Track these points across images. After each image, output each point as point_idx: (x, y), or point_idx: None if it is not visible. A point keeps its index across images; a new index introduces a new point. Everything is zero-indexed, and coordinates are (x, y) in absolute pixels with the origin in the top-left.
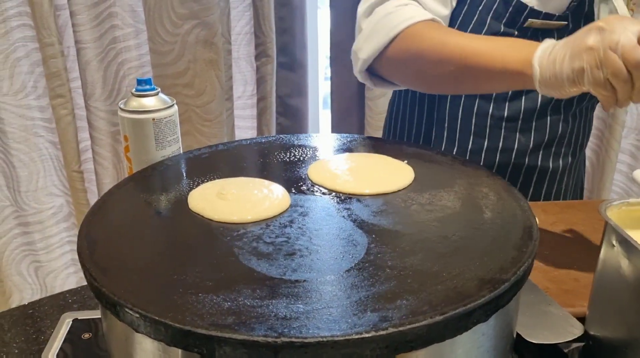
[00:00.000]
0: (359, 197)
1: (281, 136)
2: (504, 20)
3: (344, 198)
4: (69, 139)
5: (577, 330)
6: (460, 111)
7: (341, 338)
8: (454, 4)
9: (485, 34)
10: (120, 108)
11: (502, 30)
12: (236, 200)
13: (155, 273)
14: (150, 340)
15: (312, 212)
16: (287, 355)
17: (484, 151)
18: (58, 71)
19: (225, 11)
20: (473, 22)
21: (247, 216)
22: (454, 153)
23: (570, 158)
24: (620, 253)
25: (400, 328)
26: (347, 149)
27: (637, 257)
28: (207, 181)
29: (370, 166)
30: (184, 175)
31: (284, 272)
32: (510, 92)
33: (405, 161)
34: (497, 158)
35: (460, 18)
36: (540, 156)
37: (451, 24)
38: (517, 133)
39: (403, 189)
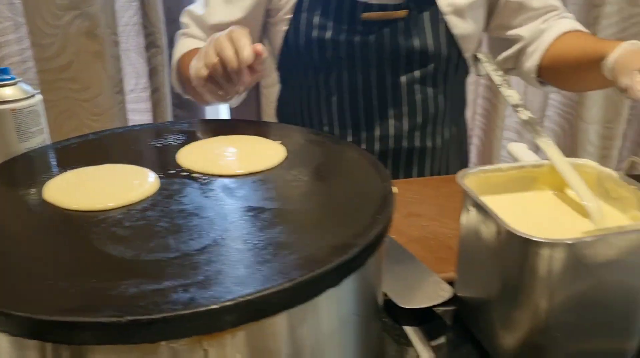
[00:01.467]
0: (226, 178)
1: (156, 123)
2: (342, 18)
3: (211, 179)
4: None
5: (447, 293)
6: (335, 106)
7: (188, 312)
8: (247, 4)
9: (332, 35)
10: None
11: (346, 28)
12: (97, 187)
13: (2, 265)
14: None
15: (177, 195)
16: (134, 334)
17: (364, 142)
18: None
19: (108, 1)
20: (316, 26)
21: (109, 203)
22: None
23: (448, 134)
24: (476, 217)
25: (248, 298)
26: (222, 132)
27: (488, 219)
28: (72, 170)
29: (242, 147)
30: (47, 166)
31: (139, 254)
32: (377, 82)
33: (279, 142)
34: (378, 145)
35: (303, 27)
36: (417, 137)
37: (295, 34)
38: (392, 119)
39: (272, 168)
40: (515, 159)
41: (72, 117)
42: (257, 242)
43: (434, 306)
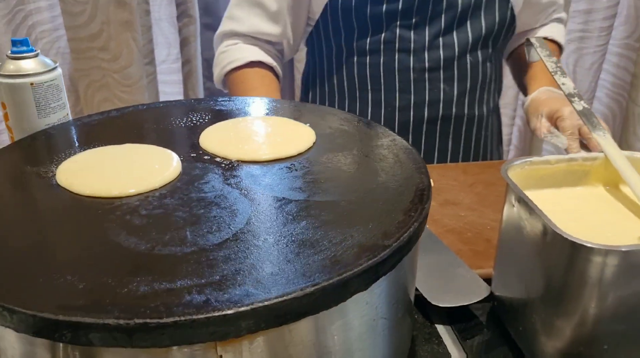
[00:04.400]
0: (250, 163)
1: (181, 100)
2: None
3: (234, 165)
4: None
5: (483, 291)
6: (382, 69)
7: (201, 317)
8: (286, 21)
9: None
10: None
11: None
12: (114, 171)
13: (6, 256)
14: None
15: (197, 181)
16: (143, 338)
17: (412, 107)
18: None
19: None
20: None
21: (125, 190)
22: (382, 114)
23: (492, 103)
24: (519, 213)
25: (267, 303)
26: (250, 112)
27: (533, 217)
28: (89, 150)
29: (269, 129)
30: (65, 145)
31: (154, 247)
32: (427, 42)
33: (308, 124)
34: (426, 111)
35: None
36: (466, 103)
37: (326, 32)
38: (441, 83)
39: (300, 154)
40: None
41: (102, 89)
42: (279, 238)
43: (469, 304)
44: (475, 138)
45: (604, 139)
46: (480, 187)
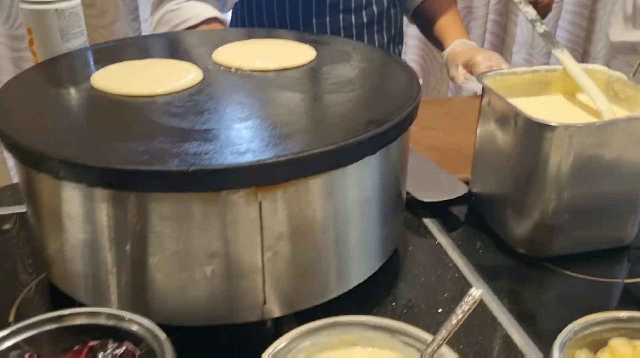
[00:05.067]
0: (263, 72)
1: (188, 30)
2: None
3: (249, 73)
4: None
5: (463, 189)
6: (328, 27)
7: (247, 163)
8: None
9: None
10: (21, 0)
11: None
12: (143, 77)
13: (70, 134)
14: (73, 187)
15: (219, 84)
16: (200, 182)
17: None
18: None
19: None
20: None
21: (158, 89)
22: None
23: (401, 46)
24: (494, 112)
25: (299, 155)
26: (253, 37)
27: (507, 113)
28: (116, 64)
29: (272, 48)
30: (92, 63)
31: (194, 124)
32: (364, 2)
33: (307, 45)
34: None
35: None
36: (391, 49)
37: None
38: (375, 34)
39: (305, 64)
40: None
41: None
42: (300, 115)
43: (450, 200)
44: None
45: (562, 54)
46: (453, 116)
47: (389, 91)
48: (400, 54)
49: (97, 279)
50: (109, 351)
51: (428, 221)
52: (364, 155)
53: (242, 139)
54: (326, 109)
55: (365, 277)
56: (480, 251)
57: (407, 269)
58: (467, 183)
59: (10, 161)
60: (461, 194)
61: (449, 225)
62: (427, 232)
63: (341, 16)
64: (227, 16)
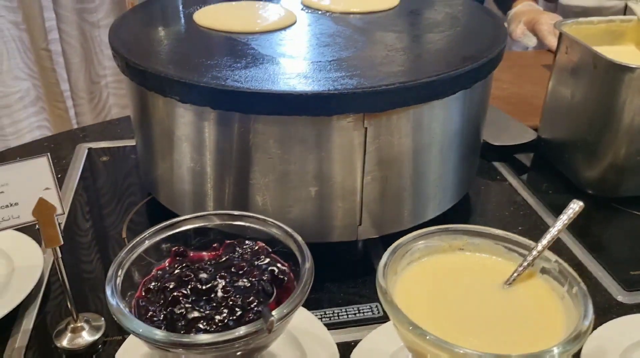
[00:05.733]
0: (351, 14)
1: None
2: None
3: (339, 15)
4: (34, 15)
5: (531, 135)
6: None
7: (359, 91)
8: None
9: None
10: None
11: None
12: (245, 16)
13: (188, 62)
14: (193, 111)
15: (314, 23)
16: (315, 106)
17: None
18: None
19: None
20: None
21: (257, 27)
22: None
23: None
24: (570, 57)
25: (406, 85)
26: None
27: (584, 55)
28: (215, 4)
29: None
30: (189, 3)
31: (302, 56)
32: None
33: None
34: None
35: None
36: None
37: None
38: None
39: (392, 8)
40: None
41: None
42: (397, 51)
43: (520, 145)
44: None
45: (636, 5)
46: (517, 69)
47: (477, 32)
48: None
49: (203, 197)
50: (246, 246)
51: (498, 164)
52: (461, 88)
53: (347, 69)
54: (422, 47)
55: (444, 210)
56: (550, 192)
57: (481, 207)
58: (534, 129)
59: (72, 111)
60: (531, 139)
61: (518, 168)
62: (497, 174)
63: None
64: None
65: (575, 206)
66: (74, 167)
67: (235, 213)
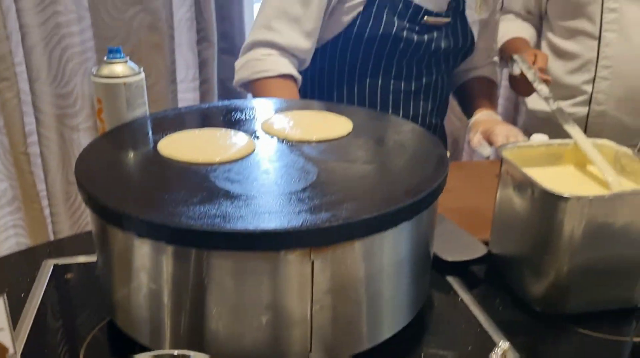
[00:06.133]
0: (307, 142)
1: (236, 100)
2: (407, 19)
3: (295, 143)
4: (15, 121)
5: (482, 250)
6: (379, 91)
7: (305, 228)
8: (315, 37)
9: (396, 31)
10: (93, 74)
11: (407, 27)
12: (204, 145)
13: (147, 196)
14: (150, 244)
15: (270, 153)
16: (262, 242)
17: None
18: (3, 54)
19: None
20: (384, 22)
21: (218, 157)
22: None
23: (445, 113)
24: (512, 183)
25: (349, 221)
26: (296, 108)
27: (523, 183)
28: (177, 132)
29: (315, 119)
30: (155, 130)
31: (256, 191)
32: (415, 72)
33: (344, 117)
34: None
35: (371, 20)
36: (433, 115)
37: (361, 25)
38: (421, 101)
39: (344, 136)
40: None
41: None
42: (345, 185)
43: (471, 260)
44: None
45: (573, 129)
46: (474, 179)
47: (421, 162)
48: (441, 122)
49: (159, 325)
50: None
51: (451, 279)
52: (401, 221)
53: (296, 205)
54: (369, 179)
55: (397, 330)
56: (500, 308)
57: (434, 325)
58: (485, 243)
59: (47, 210)
60: (482, 254)
61: (471, 282)
62: (450, 289)
63: (392, 81)
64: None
65: (504, 346)
66: (38, 285)
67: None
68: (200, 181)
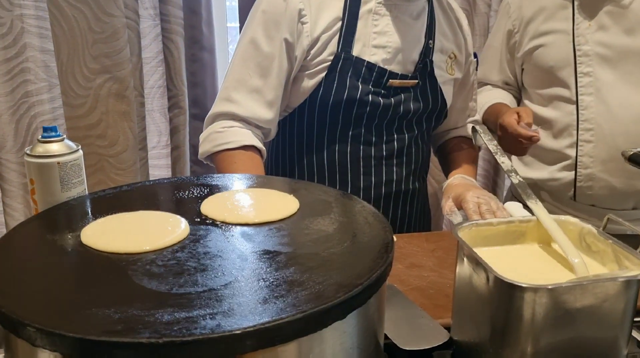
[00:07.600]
0: (245, 225)
1: (181, 177)
2: (371, 82)
3: (232, 227)
4: None
5: (444, 337)
6: (349, 157)
7: (215, 336)
8: (277, 106)
9: (360, 95)
10: (27, 153)
11: (372, 90)
12: (131, 232)
13: (53, 296)
14: (48, 354)
15: (203, 239)
16: (170, 353)
17: (372, 186)
18: None
19: (137, 66)
20: (347, 87)
21: (143, 247)
22: (349, 191)
23: (425, 177)
24: (468, 266)
25: (266, 325)
26: (241, 186)
27: (479, 268)
28: (108, 216)
29: (258, 198)
30: (86, 213)
31: (172, 288)
32: (385, 137)
33: (292, 195)
34: (383, 189)
35: (335, 85)
36: (410, 180)
37: (325, 91)
38: (394, 167)
39: (286, 218)
40: (510, 216)
41: (98, 172)
42: (273, 280)
43: (432, 348)
44: (416, 206)
45: (536, 205)
46: (440, 252)
47: (363, 250)
48: (420, 186)
49: None
50: None
51: None
52: (333, 320)
53: (213, 306)
54: (301, 271)
55: None
56: None
57: None
58: (449, 327)
59: None
60: (441, 342)
61: None
62: None
63: (362, 147)
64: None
65: None
66: None
67: None
68: (117, 277)
